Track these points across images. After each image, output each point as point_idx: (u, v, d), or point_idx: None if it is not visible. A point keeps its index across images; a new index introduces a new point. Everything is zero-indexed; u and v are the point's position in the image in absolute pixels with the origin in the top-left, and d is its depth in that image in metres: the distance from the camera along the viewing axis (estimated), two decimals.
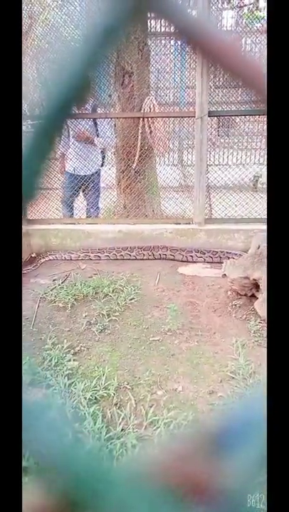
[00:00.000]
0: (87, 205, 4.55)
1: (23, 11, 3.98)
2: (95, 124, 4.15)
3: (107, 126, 4.18)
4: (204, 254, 3.79)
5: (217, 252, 3.77)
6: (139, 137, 4.10)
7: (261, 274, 2.69)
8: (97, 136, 4.18)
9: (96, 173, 4.37)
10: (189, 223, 4.02)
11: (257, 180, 6.33)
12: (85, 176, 4.30)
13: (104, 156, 4.48)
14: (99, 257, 3.94)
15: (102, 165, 4.51)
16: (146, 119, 4.05)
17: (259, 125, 7.68)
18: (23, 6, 3.94)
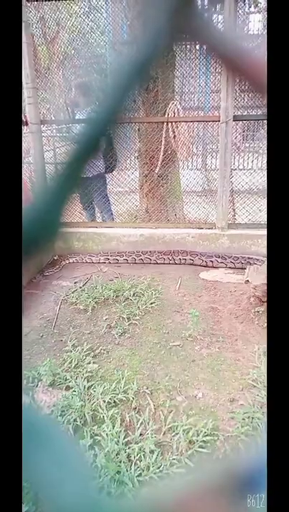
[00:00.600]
0: (100, 210, 4.58)
1: (51, 19, 4.07)
2: None
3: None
4: (225, 259, 3.74)
5: (238, 258, 3.72)
6: (163, 142, 4.10)
7: None
8: None
9: (96, 177, 4.36)
10: (212, 228, 3.98)
11: None
12: (82, 178, 4.29)
13: (112, 162, 4.46)
14: (118, 260, 3.96)
15: (110, 171, 4.51)
16: (170, 124, 4.04)
17: None
18: (51, 13, 4.03)
